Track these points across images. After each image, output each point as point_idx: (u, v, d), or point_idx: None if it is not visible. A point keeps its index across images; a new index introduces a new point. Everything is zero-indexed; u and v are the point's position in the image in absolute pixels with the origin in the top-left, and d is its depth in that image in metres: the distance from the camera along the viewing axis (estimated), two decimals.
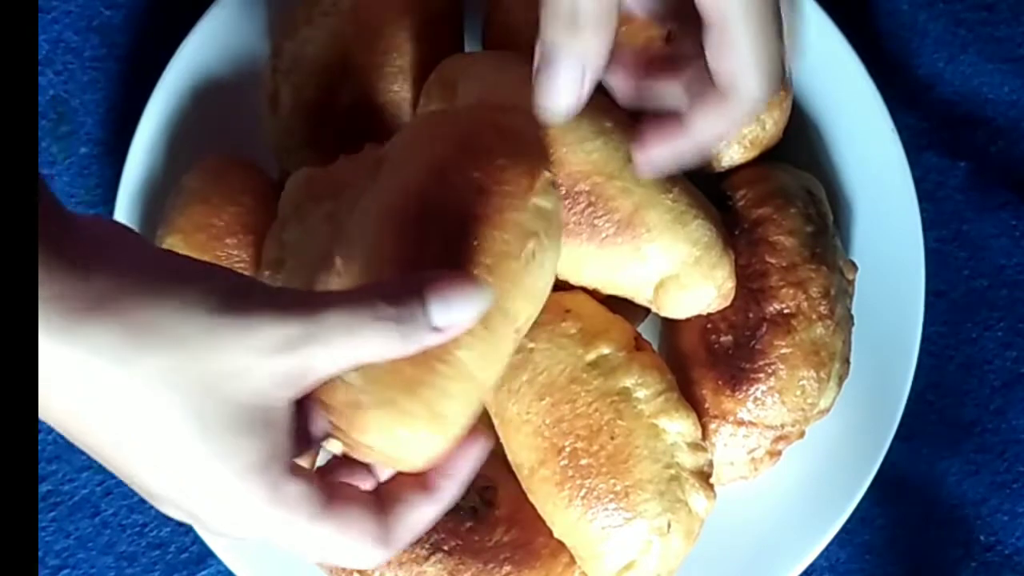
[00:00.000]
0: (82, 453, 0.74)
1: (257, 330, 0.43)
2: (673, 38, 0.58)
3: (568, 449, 0.66)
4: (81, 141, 0.77)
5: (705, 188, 0.69)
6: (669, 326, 0.72)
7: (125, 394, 0.43)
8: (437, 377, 0.48)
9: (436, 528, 0.67)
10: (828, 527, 0.71)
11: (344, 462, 0.51)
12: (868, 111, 0.73)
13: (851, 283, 0.71)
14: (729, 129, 0.54)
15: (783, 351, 0.68)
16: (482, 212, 0.51)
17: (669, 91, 0.55)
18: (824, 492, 0.71)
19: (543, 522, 0.67)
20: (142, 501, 0.75)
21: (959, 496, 0.75)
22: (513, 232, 0.51)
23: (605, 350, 0.67)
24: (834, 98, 0.72)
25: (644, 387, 0.66)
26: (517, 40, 0.68)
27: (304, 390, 0.46)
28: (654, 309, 0.68)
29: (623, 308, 0.68)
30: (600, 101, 0.58)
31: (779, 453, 0.70)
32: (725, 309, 0.68)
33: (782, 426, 0.69)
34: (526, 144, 0.54)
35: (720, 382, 0.69)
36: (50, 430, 0.75)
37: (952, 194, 0.77)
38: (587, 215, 0.65)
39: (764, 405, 0.68)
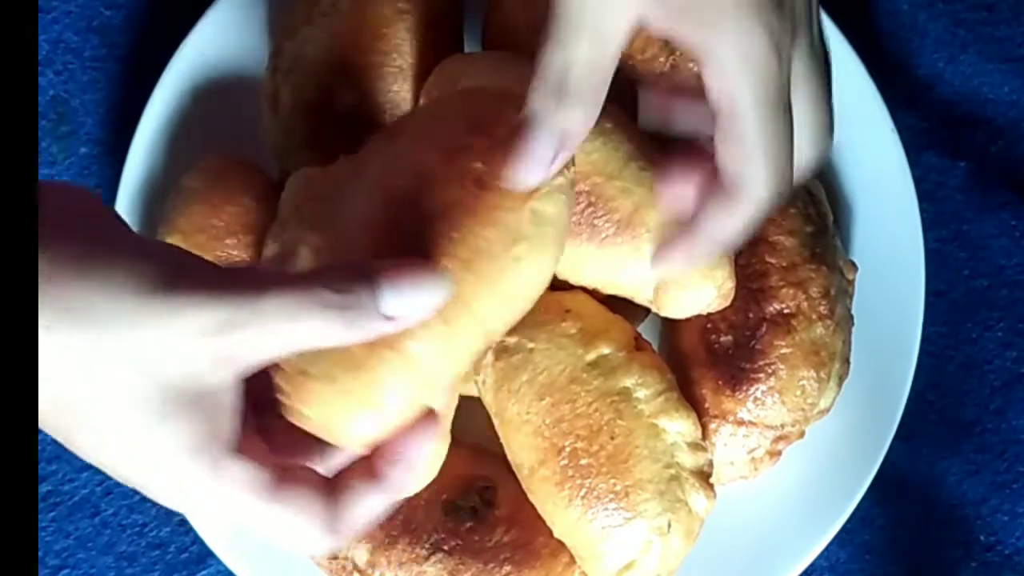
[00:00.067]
0: None
1: (186, 312, 0.43)
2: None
3: (568, 449, 0.66)
4: (81, 141, 0.77)
5: None
6: (669, 326, 0.72)
7: (63, 368, 0.43)
8: (381, 364, 0.47)
9: (436, 528, 0.67)
10: (828, 527, 0.71)
11: (301, 446, 0.50)
12: (868, 111, 0.73)
13: (851, 283, 0.71)
14: (740, 228, 0.53)
15: (783, 351, 0.68)
16: (473, 205, 0.49)
17: (695, 113, 0.55)
18: (824, 492, 0.71)
19: (543, 522, 0.67)
20: (142, 501, 0.75)
21: (959, 496, 0.75)
22: (498, 231, 0.49)
23: (605, 350, 0.67)
24: (834, 98, 0.72)
25: (644, 387, 0.66)
26: (516, 40, 0.68)
27: (246, 371, 0.45)
28: (654, 309, 0.68)
29: (623, 308, 0.68)
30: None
31: (779, 453, 0.70)
32: (725, 309, 0.68)
33: (782, 426, 0.69)
34: None
35: (720, 382, 0.69)
36: None
37: (952, 194, 0.77)
38: (587, 215, 0.65)
39: (764, 405, 0.68)
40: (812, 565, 0.71)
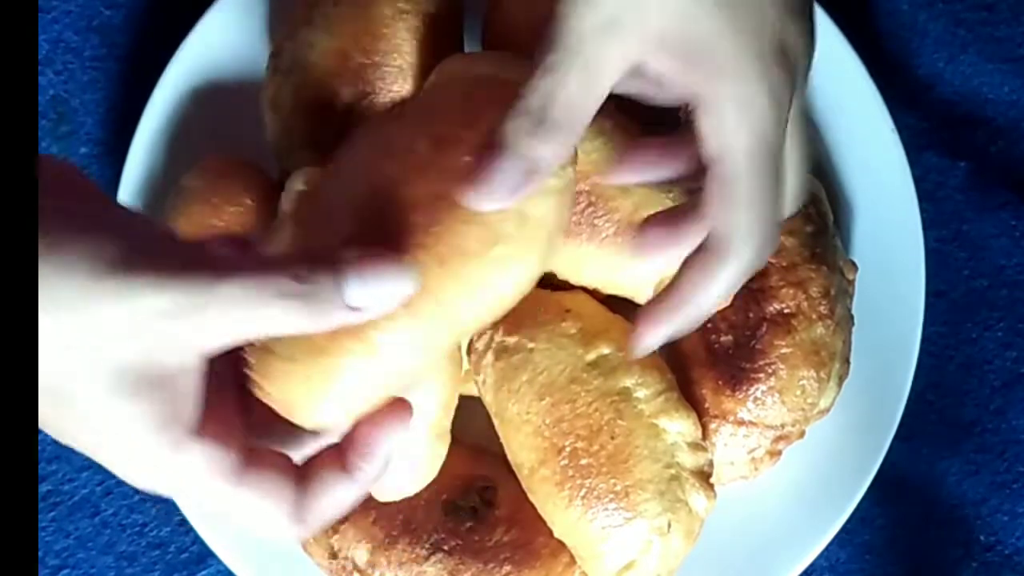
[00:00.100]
0: (82, 454, 0.75)
1: (140, 294, 0.43)
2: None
3: (568, 449, 0.66)
4: (81, 141, 0.77)
5: None
6: None
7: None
8: (343, 352, 0.47)
9: (436, 528, 0.67)
10: (828, 527, 0.71)
11: (276, 428, 0.49)
12: (868, 111, 0.73)
13: (851, 283, 0.71)
14: (724, 292, 0.52)
15: (783, 351, 0.68)
16: (457, 200, 0.48)
17: (675, 167, 0.54)
18: (824, 492, 0.71)
19: (543, 522, 0.67)
20: (142, 501, 0.75)
21: (959, 496, 0.75)
22: (480, 231, 0.48)
23: (605, 350, 0.67)
24: (834, 98, 0.72)
25: (644, 387, 0.66)
26: (516, 40, 0.68)
27: (207, 354, 0.45)
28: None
29: (623, 308, 0.69)
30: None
31: (779, 453, 0.70)
32: (725, 309, 0.69)
33: (782, 426, 0.69)
34: None
35: (720, 382, 0.69)
36: None
37: (952, 194, 0.77)
38: (587, 215, 0.65)
39: (764, 405, 0.68)
40: (812, 565, 0.71)
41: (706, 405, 0.69)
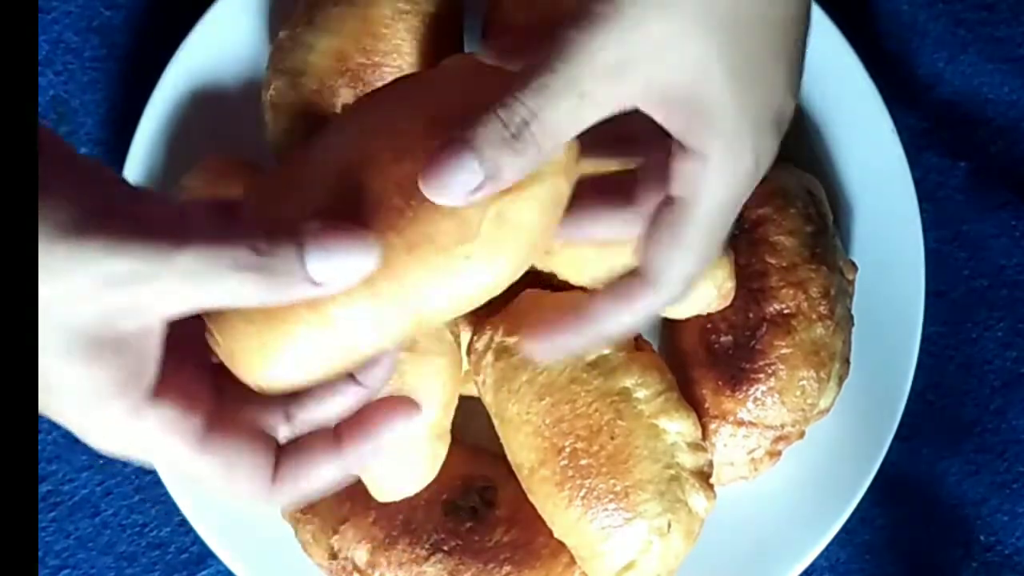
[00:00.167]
0: (82, 453, 0.75)
1: (91, 260, 0.42)
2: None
3: (568, 449, 0.66)
4: (81, 141, 0.77)
5: None
6: (669, 326, 0.72)
7: None
8: (297, 319, 0.46)
9: (436, 528, 0.67)
10: (828, 527, 0.71)
11: (262, 406, 0.49)
12: (868, 111, 0.73)
13: (851, 283, 0.71)
14: (633, 322, 0.51)
15: (783, 351, 0.68)
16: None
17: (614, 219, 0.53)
18: (824, 492, 0.71)
19: (543, 522, 0.67)
20: (142, 501, 0.75)
21: (959, 496, 0.75)
22: (453, 224, 0.47)
23: (605, 350, 0.67)
24: (834, 98, 0.72)
25: (644, 387, 0.66)
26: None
27: (165, 320, 0.44)
28: None
29: None
30: None
31: (779, 453, 0.70)
32: (725, 309, 0.68)
33: (782, 426, 0.69)
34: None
35: (720, 382, 0.69)
36: (50, 430, 0.75)
37: (952, 194, 0.77)
38: None
39: (764, 405, 0.68)
40: (812, 565, 0.71)
41: (706, 405, 0.69)
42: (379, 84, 0.68)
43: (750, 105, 0.47)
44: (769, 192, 0.69)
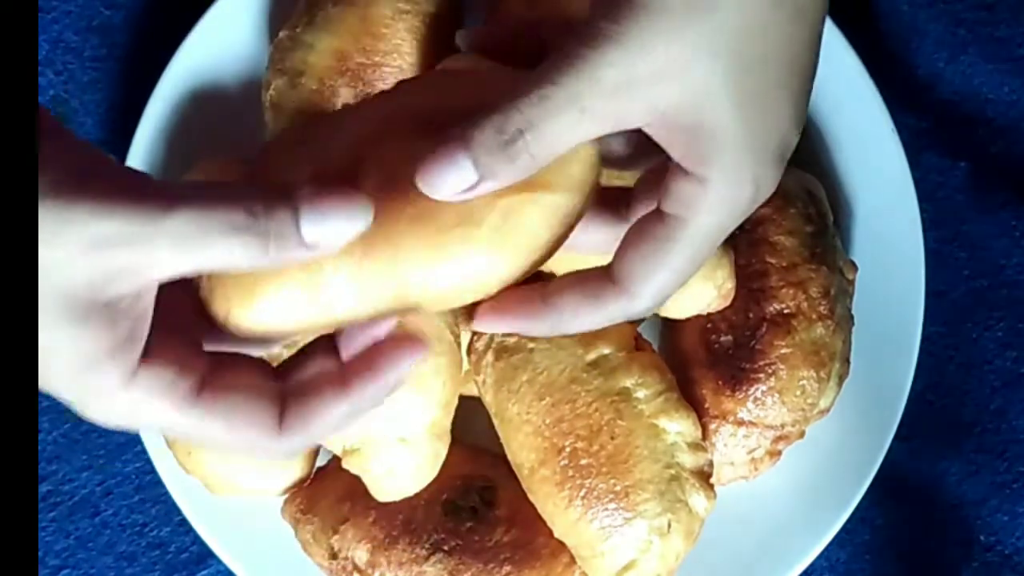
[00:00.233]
0: (83, 453, 0.75)
1: (80, 222, 0.42)
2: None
3: (568, 449, 0.66)
4: None
5: None
6: (669, 326, 0.72)
7: None
8: (282, 274, 0.46)
9: (436, 528, 0.67)
10: (828, 527, 0.71)
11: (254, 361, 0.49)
12: (868, 111, 0.73)
13: (851, 283, 0.71)
14: (597, 325, 0.51)
15: (783, 351, 0.68)
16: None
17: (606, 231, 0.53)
18: (824, 492, 0.71)
19: (543, 522, 0.67)
20: (142, 501, 0.75)
21: (959, 496, 0.75)
22: (461, 208, 0.47)
23: (605, 350, 0.67)
24: (834, 98, 0.72)
25: (644, 387, 0.66)
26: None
27: (155, 282, 0.44)
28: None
29: None
30: None
31: (779, 453, 0.70)
32: (725, 309, 0.69)
33: (782, 426, 0.69)
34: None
35: (720, 382, 0.69)
36: (50, 430, 0.75)
37: (952, 194, 0.77)
38: None
39: (764, 405, 0.68)
40: (812, 565, 0.71)
41: (706, 405, 0.69)
42: (379, 84, 0.69)
43: (753, 135, 0.47)
44: None
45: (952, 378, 0.76)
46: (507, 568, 0.67)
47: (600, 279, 0.50)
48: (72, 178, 0.43)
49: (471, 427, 0.69)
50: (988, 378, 0.76)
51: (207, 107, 0.73)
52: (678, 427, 0.66)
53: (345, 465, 0.65)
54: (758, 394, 0.68)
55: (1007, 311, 0.77)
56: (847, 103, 0.73)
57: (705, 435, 0.69)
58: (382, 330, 0.48)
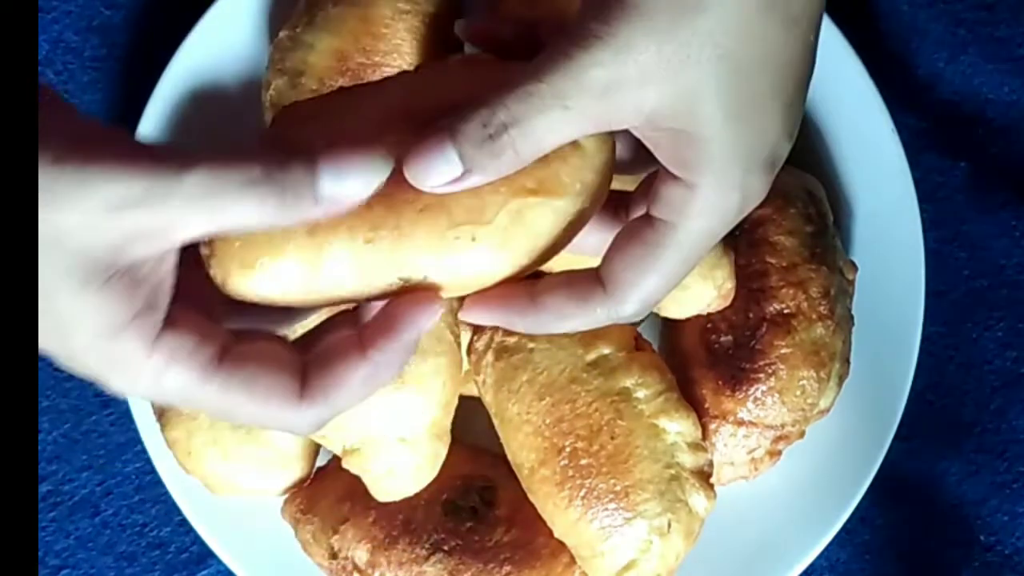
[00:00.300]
0: (83, 453, 0.75)
1: (97, 184, 0.42)
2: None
3: (568, 449, 0.66)
4: None
5: None
6: (669, 326, 0.72)
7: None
8: (288, 239, 0.46)
9: (436, 528, 0.67)
10: (828, 527, 0.71)
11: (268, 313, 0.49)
12: (868, 111, 0.73)
13: (851, 283, 0.71)
14: (581, 327, 0.51)
15: (783, 351, 0.68)
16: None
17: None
18: (824, 492, 0.71)
19: (543, 522, 0.67)
20: (142, 501, 0.75)
21: (959, 496, 0.75)
22: (472, 201, 0.47)
23: (605, 350, 0.67)
24: (834, 98, 0.72)
25: (644, 387, 0.66)
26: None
27: (173, 246, 0.44)
28: (654, 309, 0.68)
29: None
30: None
31: (779, 453, 0.70)
32: (725, 309, 0.69)
33: (782, 426, 0.69)
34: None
35: (720, 382, 0.69)
36: (50, 430, 0.75)
37: (952, 194, 0.77)
38: None
39: (764, 405, 0.68)
40: (812, 565, 0.71)
41: (706, 405, 0.69)
42: None
43: (742, 142, 0.47)
44: (769, 192, 0.69)
45: (952, 378, 0.76)
46: (507, 568, 0.67)
47: (589, 281, 0.50)
48: (86, 143, 0.42)
49: (471, 427, 0.69)
50: (988, 378, 0.76)
51: (207, 107, 0.73)
52: (678, 427, 0.66)
53: (345, 465, 0.65)
54: (758, 394, 0.68)
55: (1007, 311, 0.77)
56: (847, 103, 0.73)
57: (705, 435, 0.69)
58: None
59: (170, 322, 0.45)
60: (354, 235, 0.47)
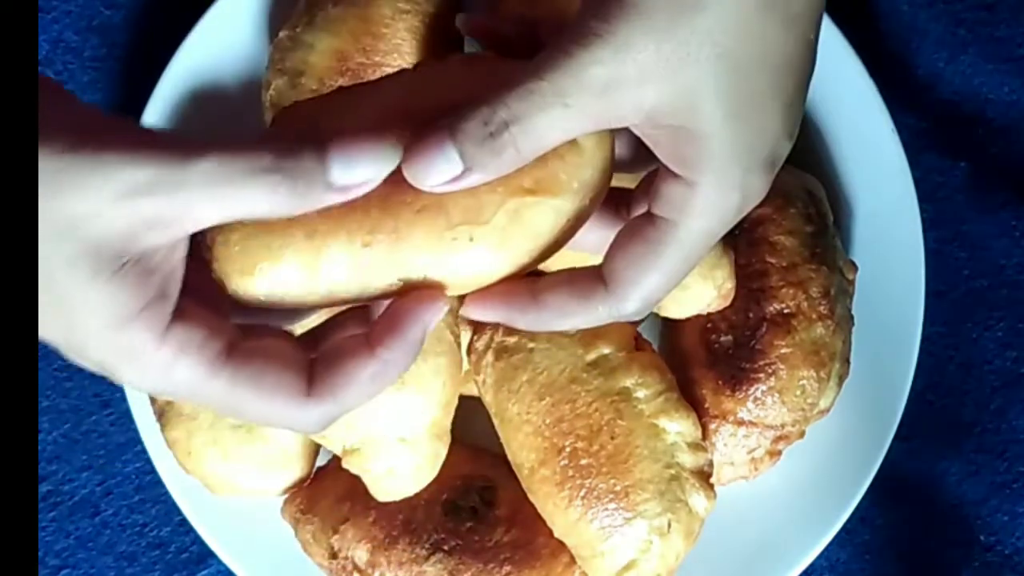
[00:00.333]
0: (83, 453, 0.75)
1: (110, 171, 0.42)
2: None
3: (568, 449, 0.66)
4: None
5: None
6: (669, 326, 0.72)
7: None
8: (287, 242, 0.46)
9: (436, 528, 0.67)
10: (828, 527, 0.71)
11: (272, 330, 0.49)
12: (868, 111, 0.73)
13: (851, 283, 0.71)
14: (583, 325, 0.51)
15: (783, 351, 0.68)
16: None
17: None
18: (824, 492, 0.71)
19: (543, 522, 0.67)
20: (142, 501, 0.75)
21: (959, 496, 0.75)
22: (470, 201, 0.47)
23: (605, 350, 0.67)
24: (834, 98, 0.72)
25: (644, 387, 0.66)
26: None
27: (184, 234, 0.44)
28: (654, 309, 0.68)
29: None
30: None
31: (779, 453, 0.70)
32: (725, 309, 0.68)
33: (782, 426, 0.69)
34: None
35: (720, 382, 0.69)
36: (50, 430, 0.75)
37: (952, 194, 0.77)
38: None
39: (764, 405, 0.68)
40: (812, 565, 0.71)
41: (706, 405, 0.69)
42: None
43: (741, 141, 0.47)
44: (769, 192, 0.69)
45: (952, 378, 0.76)
46: (507, 568, 0.67)
47: (591, 279, 0.50)
48: (95, 132, 0.42)
49: (471, 427, 0.69)
50: (988, 378, 0.76)
51: (207, 107, 0.73)
52: (678, 427, 0.66)
53: (345, 465, 0.65)
54: (758, 394, 0.68)
55: (1007, 311, 0.77)
56: (847, 103, 0.73)
57: (705, 435, 0.69)
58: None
59: (179, 314, 0.45)
60: (352, 238, 0.47)
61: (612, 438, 0.65)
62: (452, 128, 0.46)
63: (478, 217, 0.47)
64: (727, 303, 0.68)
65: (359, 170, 0.44)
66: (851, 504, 0.71)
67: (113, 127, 0.44)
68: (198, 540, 0.73)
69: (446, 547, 0.67)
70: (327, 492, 0.69)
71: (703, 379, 0.70)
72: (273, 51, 0.70)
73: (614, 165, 0.50)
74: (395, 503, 0.66)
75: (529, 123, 0.46)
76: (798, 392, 0.68)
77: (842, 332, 0.69)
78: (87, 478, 0.76)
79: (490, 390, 0.68)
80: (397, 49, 0.69)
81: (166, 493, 0.72)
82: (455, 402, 0.66)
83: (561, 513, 0.66)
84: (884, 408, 0.71)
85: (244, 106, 0.72)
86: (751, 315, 0.68)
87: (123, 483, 0.76)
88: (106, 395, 0.76)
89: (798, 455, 0.70)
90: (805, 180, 0.71)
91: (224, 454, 0.68)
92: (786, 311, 0.68)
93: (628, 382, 0.66)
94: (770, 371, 0.68)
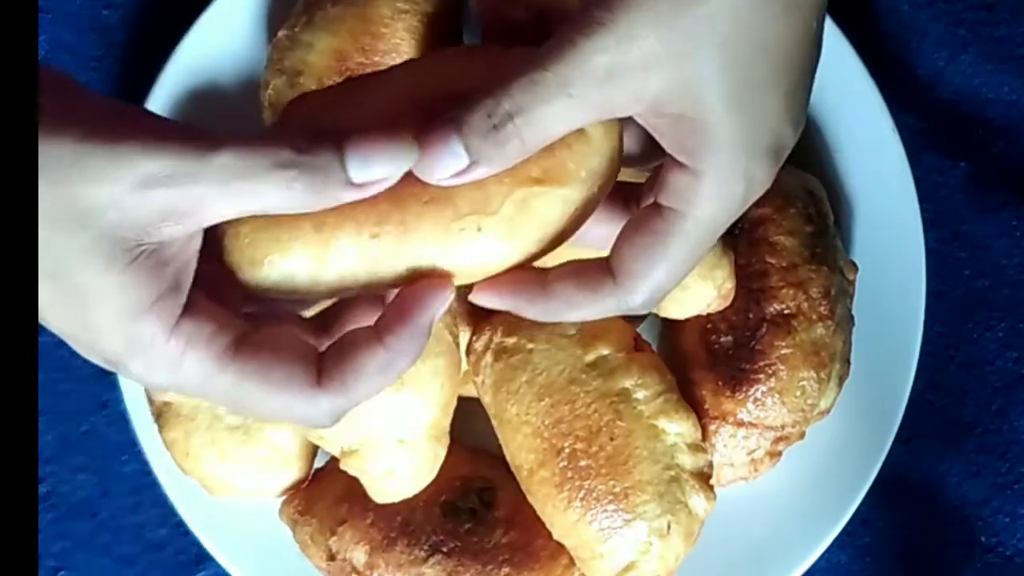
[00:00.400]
0: (80, 454, 0.75)
1: (129, 161, 0.42)
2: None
3: (567, 450, 0.65)
4: None
5: None
6: (669, 326, 0.72)
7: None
8: (294, 229, 0.46)
9: (435, 529, 0.67)
10: (829, 529, 0.71)
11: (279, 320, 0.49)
12: (868, 111, 0.72)
13: (851, 283, 0.71)
14: (591, 317, 0.50)
15: (783, 351, 0.68)
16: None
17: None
18: (824, 493, 0.71)
19: (542, 523, 0.67)
20: (140, 503, 0.75)
21: (960, 497, 0.75)
22: (476, 193, 0.47)
23: (604, 351, 0.67)
24: (834, 98, 0.72)
25: (644, 388, 0.66)
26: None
27: (199, 227, 0.44)
28: (654, 309, 0.68)
29: None
30: None
31: (779, 454, 0.70)
32: (725, 309, 0.68)
33: (782, 427, 0.69)
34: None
35: (720, 383, 0.69)
36: (47, 432, 0.75)
37: (952, 194, 0.77)
38: None
39: (764, 406, 0.68)
40: (812, 567, 0.71)
41: (706, 406, 0.69)
42: None
43: (745, 129, 0.47)
44: (769, 192, 0.69)
45: (952, 378, 0.76)
46: (506, 570, 0.67)
47: (599, 271, 0.50)
48: (113, 121, 0.42)
49: (470, 428, 0.69)
50: (989, 378, 0.76)
51: (206, 106, 0.73)
52: (678, 428, 0.66)
53: (343, 466, 0.65)
54: (758, 395, 0.68)
55: (1007, 311, 0.77)
56: (847, 103, 0.73)
57: (705, 436, 0.69)
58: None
59: (189, 308, 0.45)
60: (360, 230, 0.47)
61: (611, 439, 0.65)
62: (457, 121, 0.46)
63: (486, 207, 0.47)
64: (727, 303, 0.68)
65: (376, 168, 0.44)
66: (852, 505, 0.71)
67: (129, 116, 0.44)
68: (196, 541, 0.73)
69: (445, 548, 0.67)
70: (325, 493, 0.69)
71: (703, 380, 0.69)
72: (272, 51, 0.70)
73: (622, 154, 0.50)
74: (393, 504, 0.66)
75: (533, 114, 0.46)
76: (798, 393, 0.68)
77: (842, 332, 0.69)
78: (84, 480, 0.75)
79: (489, 391, 0.68)
80: (396, 49, 0.69)
81: (164, 495, 0.72)
82: (454, 403, 0.66)
83: (560, 514, 0.66)
84: (885, 409, 0.71)
85: (243, 106, 0.72)
86: (751, 316, 0.68)
87: (121, 484, 0.75)
88: (103, 396, 0.76)
89: (798, 456, 0.70)
90: (805, 180, 0.71)
91: (222, 455, 0.68)
92: (786, 311, 0.68)
93: (627, 383, 0.66)
94: (770, 372, 0.68)
